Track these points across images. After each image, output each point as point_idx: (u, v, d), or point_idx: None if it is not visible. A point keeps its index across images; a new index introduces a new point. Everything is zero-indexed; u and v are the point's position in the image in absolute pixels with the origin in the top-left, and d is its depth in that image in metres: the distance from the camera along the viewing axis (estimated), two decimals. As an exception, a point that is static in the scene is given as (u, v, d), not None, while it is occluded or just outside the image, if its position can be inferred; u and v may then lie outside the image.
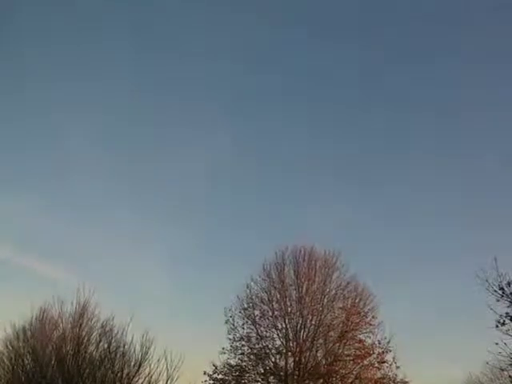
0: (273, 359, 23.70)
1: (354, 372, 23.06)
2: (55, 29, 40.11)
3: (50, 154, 43.04)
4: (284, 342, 23.57)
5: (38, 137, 43.26)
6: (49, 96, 40.71)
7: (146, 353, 22.70)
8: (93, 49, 40.93)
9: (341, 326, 23.62)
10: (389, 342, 23.15)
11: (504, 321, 14.73)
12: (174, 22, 41.90)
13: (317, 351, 23.67)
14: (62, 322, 25.25)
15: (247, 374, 23.71)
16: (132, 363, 22.92)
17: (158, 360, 22.07)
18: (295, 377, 22.92)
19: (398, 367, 22.88)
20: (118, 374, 22.90)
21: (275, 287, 24.29)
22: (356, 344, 23.54)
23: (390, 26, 41.85)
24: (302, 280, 23.97)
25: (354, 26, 41.57)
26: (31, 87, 40.54)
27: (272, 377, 23.55)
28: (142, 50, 41.92)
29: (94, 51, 40.66)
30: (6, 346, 25.95)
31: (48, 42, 40.83)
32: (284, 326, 23.73)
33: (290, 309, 23.85)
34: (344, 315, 23.77)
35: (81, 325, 24.67)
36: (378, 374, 23.05)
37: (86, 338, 24.56)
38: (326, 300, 23.93)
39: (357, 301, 24.03)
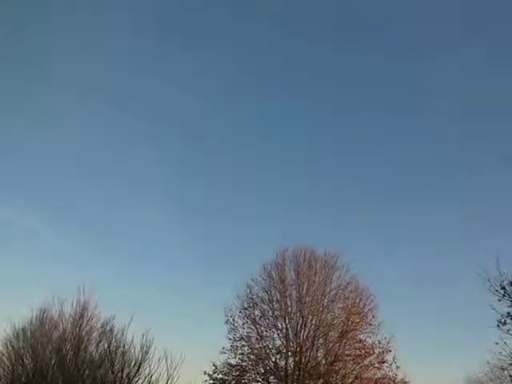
0: (273, 359, 23.64)
1: (354, 372, 22.99)
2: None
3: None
4: (284, 342, 23.50)
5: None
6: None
7: (146, 353, 22.79)
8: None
9: (341, 325, 23.55)
10: (389, 342, 23.14)
11: (505, 320, 14.75)
12: None
13: (317, 351, 23.61)
14: (62, 322, 25.30)
15: (247, 374, 23.63)
16: (132, 363, 22.96)
17: (158, 360, 22.14)
18: (295, 377, 22.86)
19: (398, 367, 22.83)
20: (118, 374, 22.91)
21: (275, 287, 24.23)
22: (356, 344, 23.47)
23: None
24: (303, 280, 23.92)
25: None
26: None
27: (272, 377, 23.49)
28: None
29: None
30: (6, 346, 25.96)
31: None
32: (284, 325, 23.67)
33: (290, 309, 23.78)
34: (344, 315, 23.69)
35: (81, 325, 24.71)
36: (378, 374, 23.00)
37: (86, 338, 24.61)
38: (326, 300, 23.87)
39: (357, 301, 23.96)
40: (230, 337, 24.13)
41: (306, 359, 23.12)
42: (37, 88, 41.06)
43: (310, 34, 41.70)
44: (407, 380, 23.08)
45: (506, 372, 17.27)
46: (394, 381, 22.84)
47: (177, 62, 43.66)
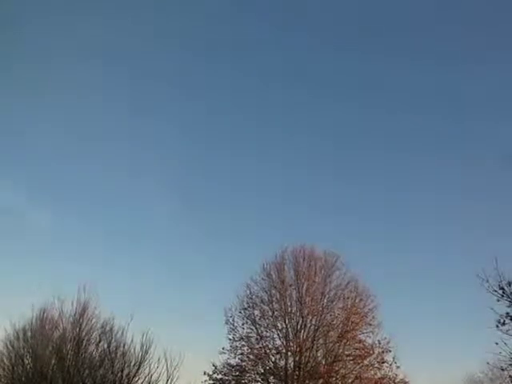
0: (273, 359, 23.63)
1: (354, 372, 22.98)
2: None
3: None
4: (284, 342, 23.50)
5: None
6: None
7: (146, 353, 22.79)
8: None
9: (341, 326, 23.54)
10: (389, 342, 23.12)
11: (504, 321, 14.70)
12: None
13: (317, 351, 23.60)
14: (62, 322, 25.25)
15: (247, 374, 23.63)
16: (132, 363, 22.96)
17: (158, 360, 22.14)
18: (295, 377, 22.85)
19: (398, 367, 22.83)
20: (118, 374, 22.91)
21: (275, 287, 24.22)
22: (356, 344, 23.45)
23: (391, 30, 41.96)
24: (302, 280, 23.90)
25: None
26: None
27: (272, 377, 23.49)
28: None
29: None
30: (6, 346, 25.97)
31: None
32: (284, 325, 23.67)
33: (290, 309, 23.78)
34: (344, 315, 23.69)
35: (81, 325, 24.66)
36: (378, 374, 22.97)
37: (86, 338, 24.56)
38: (325, 300, 23.88)
39: (357, 301, 23.94)
40: (230, 337, 24.20)
41: (306, 359, 23.11)
42: (36, 87, 41.04)
43: (311, 34, 41.66)
44: (407, 380, 23.11)
45: (505, 372, 17.17)
46: (394, 381, 22.84)
47: (177, 62, 43.65)
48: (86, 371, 23.73)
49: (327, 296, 23.92)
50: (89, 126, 43.45)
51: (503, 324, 14.64)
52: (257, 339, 23.89)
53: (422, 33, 41.27)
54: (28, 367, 24.96)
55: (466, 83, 42.51)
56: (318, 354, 23.65)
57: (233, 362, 23.79)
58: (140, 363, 22.82)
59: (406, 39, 42.84)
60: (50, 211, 41.83)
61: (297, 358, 23.07)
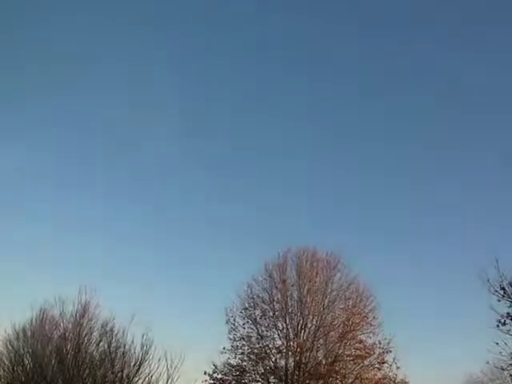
0: (273, 359, 23.65)
1: (355, 372, 23.01)
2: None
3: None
4: (285, 342, 23.52)
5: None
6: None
7: (146, 353, 22.73)
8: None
9: (341, 326, 23.59)
10: (389, 343, 23.18)
11: (505, 321, 14.79)
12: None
13: (317, 351, 23.64)
14: (63, 322, 25.20)
15: (247, 374, 23.65)
16: (132, 363, 22.91)
17: (159, 360, 22.11)
18: (295, 377, 22.90)
19: (398, 367, 22.88)
20: (118, 374, 22.88)
21: (277, 287, 24.23)
22: (356, 344, 23.50)
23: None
24: (304, 280, 23.92)
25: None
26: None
27: (272, 377, 23.50)
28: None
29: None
30: (6, 346, 25.91)
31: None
32: (285, 325, 23.70)
33: (290, 309, 23.81)
34: (345, 316, 23.75)
35: (81, 325, 24.60)
36: (379, 375, 23.02)
37: (86, 338, 24.51)
38: (327, 300, 23.87)
39: (358, 301, 23.97)
40: (231, 337, 24.21)
41: (307, 359, 23.15)
42: (36, 88, 41.09)
43: (311, 34, 41.78)
44: (407, 380, 23.20)
45: (506, 372, 17.25)
46: (394, 381, 22.91)
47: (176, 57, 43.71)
48: (86, 371, 23.69)
49: (328, 297, 23.93)
50: (88, 126, 43.40)
51: (504, 324, 14.75)
52: (257, 339, 23.94)
53: (422, 33, 41.34)
54: (28, 367, 24.89)
55: (466, 83, 42.56)
56: (319, 354, 23.70)
57: (233, 361, 23.86)
58: (140, 363, 22.78)
59: (405, 40, 42.90)
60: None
61: (297, 358, 23.09)
